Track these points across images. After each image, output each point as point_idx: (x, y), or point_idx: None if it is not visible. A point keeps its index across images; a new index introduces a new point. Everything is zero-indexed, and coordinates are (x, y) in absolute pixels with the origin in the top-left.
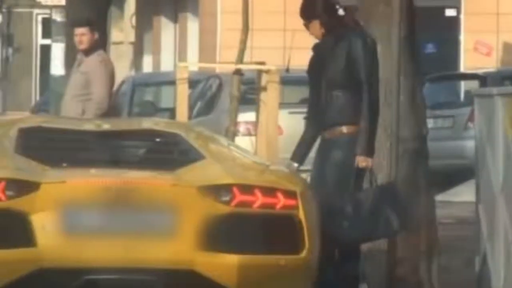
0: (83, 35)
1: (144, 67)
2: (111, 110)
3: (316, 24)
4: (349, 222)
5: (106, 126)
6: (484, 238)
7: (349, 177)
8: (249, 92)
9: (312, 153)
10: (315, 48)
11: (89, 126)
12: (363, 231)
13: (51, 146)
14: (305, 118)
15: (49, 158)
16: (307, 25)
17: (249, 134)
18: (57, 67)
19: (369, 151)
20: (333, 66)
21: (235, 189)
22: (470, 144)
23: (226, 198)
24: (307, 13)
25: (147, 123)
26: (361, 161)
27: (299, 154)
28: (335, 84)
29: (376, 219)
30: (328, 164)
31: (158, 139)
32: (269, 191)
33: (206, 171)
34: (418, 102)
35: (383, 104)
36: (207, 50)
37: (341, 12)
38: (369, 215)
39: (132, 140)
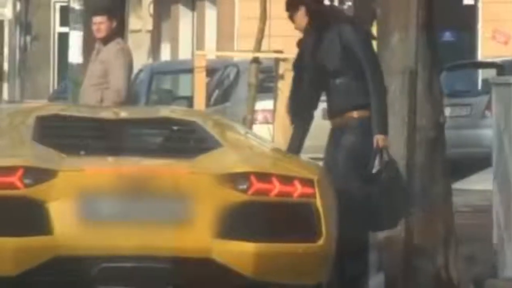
0: (101, 24)
1: (162, 55)
2: (128, 98)
3: (302, 13)
4: (356, 213)
5: (123, 114)
6: (501, 227)
7: (361, 162)
8: (266, 80)
9: (322, 142)
10: (300, 43)
11: (106, 114)
12: (368, 223)
13: (68, 134)
14: (288, 112)
15: (67, 146)
16: (292, 17)
17: (267, 122)
18: (75, 55)
19: (386, 130)
20: (329, 55)
21: (252, 177)
22: (487, 133)
23: (243, 186)
24: (293, 2)
25: (165, 111)
26: (382, 140)
27: (293, 149)
28: (336, 72)
29: (389, 205)
30: (340, 150)
31: (175, 127)
32: (286, 179)
33: (224, 159)
34: (435, 90)
35: (401, 93)
36: (225, 38)
37: (326, 1)
38: (384, 200)
39: (150, 128)
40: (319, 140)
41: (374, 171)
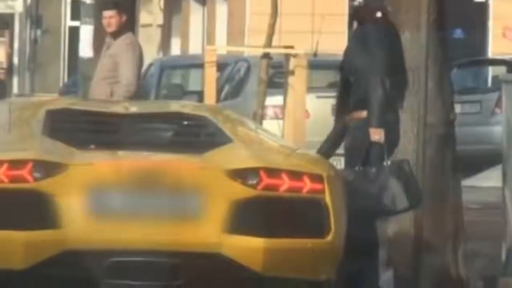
0: (111, 18)
1: (172, 50)
2: (138, 93)
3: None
4: (356, 198)
5: (133, 108)
6: (510, 224)
7: (358, 161)
8: (277, 76)
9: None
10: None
11: (116, 108)
12: (369, 207)
13: (78, 128)
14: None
15: (77, 140)
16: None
17: (277, 118)
18: (85, 50)
19: (380, 123)
20: (349, 53)
21: (262, 173)
22: (497, 130)
23: (253, 182)
24: (352, 20)
25: (175, 106)
26: (373, 133)
27: (325, 149)
28: (351, 70)
29: (382, 196)
30: (344, 149)
31: (185, 122)
32: (296, 175)
33: (233, 154)
34: (445, 87)
35: (411, 89)
36: (235, 33)
37: (378, 14)
38: (376, 191)
39: (160, 123)
40: None
41: (372, 166)
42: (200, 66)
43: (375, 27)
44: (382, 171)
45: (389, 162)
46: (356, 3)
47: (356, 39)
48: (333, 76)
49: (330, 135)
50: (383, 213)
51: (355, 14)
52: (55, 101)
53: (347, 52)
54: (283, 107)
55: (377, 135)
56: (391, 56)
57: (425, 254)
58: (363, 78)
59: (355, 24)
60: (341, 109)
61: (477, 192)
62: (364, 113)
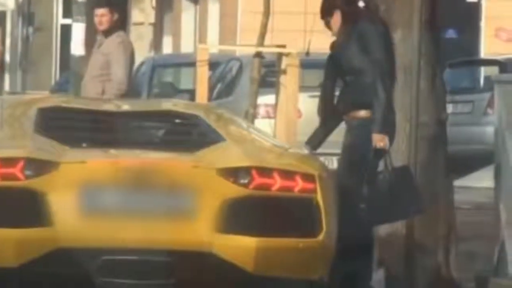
0: (103, 16)
1: (164, 48)
2: (130, 91)
3: (337, 17)
4: (366, 204)
5: (125, 106)
6: (502, 224)
7: (359, 162)
8: (269, 75)
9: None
10: (332, 45)
11: (108, 107)
12: (380, 213)
13: (70, 126)
14: (317, 111)
15: (69, 138)
16: (328, 23)
17: (269, 117)
18: (77, 47)
19: (381, 129)
20: (346, 53)
21: (254, 172)
22: (489, 130)
23: (245, 181)
24: (328, 7)
25: (167, 104)
26: (378, 140)
27: (315, 140)
28: (348, 69)
29: (393, 201)
30: (343, 148)
31: (177, 121)
32: (288, 174)
33: (226, 153)
34: (438, 87)
35: (403, 89)
36: (227, 32)
37: (361, 3)
38: (386, 197)
39: (152, 121)
40: (335, 136)
41: (374, 171)
42: (192, 64)
43: (372, 26)
44: (385, 176)
45: (392, 167)
46: None
47: (351, 38)
48: None
49: (321, 131)
50: (394, 219)
51: (354, 18)
52: (46, 99)
53: (344, 51)
54: (275, 106)
55: (381, 142)
56: (389, 55)
57: (417, 254)
58: (362, 78)
59: (336, 15)
60: (333, 106)
61: (469, 193)
62: (364, 112)
